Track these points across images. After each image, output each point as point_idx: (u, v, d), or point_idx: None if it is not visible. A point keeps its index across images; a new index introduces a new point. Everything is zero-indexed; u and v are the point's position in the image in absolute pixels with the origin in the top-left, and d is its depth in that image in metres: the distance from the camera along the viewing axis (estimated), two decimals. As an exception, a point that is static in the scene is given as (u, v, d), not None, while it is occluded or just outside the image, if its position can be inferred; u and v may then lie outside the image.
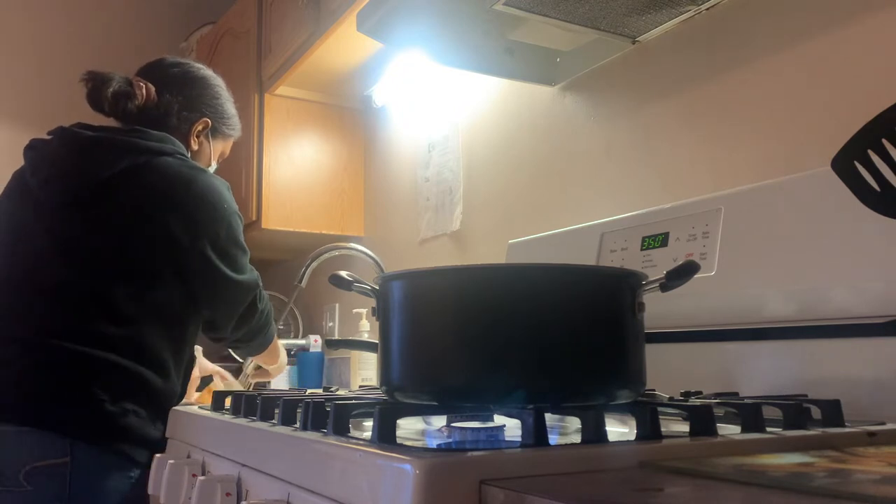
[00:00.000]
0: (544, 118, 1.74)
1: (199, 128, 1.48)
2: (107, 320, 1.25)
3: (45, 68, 3.21)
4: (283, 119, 2.48)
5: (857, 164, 0.72)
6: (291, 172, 2.47)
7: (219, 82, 1.55)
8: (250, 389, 1.67)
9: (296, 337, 2.78)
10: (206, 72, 1.54)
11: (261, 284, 1.43)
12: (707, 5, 1.32)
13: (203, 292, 1.34)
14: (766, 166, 1.22)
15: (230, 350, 2.52)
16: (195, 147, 1.49)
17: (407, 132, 2.33)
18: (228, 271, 1.33)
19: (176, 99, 1.45)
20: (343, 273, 0.88)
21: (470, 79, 1.98)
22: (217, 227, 1.31)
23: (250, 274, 1.39)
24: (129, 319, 1.26)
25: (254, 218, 2.43)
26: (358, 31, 1.56)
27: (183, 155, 1.38)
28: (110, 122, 1.44)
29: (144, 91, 1.42)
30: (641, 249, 1.30)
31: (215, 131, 1.52)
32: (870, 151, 0.71)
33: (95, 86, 1.40)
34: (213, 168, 1.55)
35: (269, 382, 1.87)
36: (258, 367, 1.78)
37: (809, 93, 1.17)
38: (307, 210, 2.48)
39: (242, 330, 1.43)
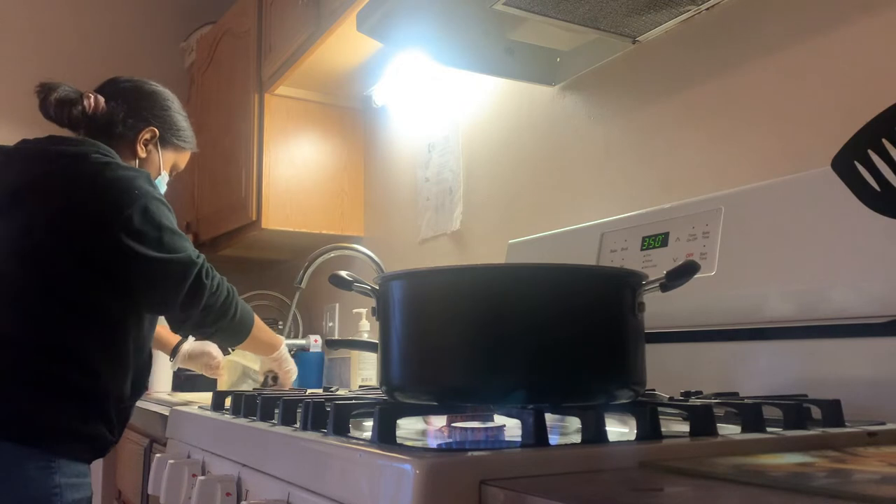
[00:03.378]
0: (544, 118, 1.74)
1: (147, 136, 1.51)
2: (24, 320, 1.28)
3: (45, 68, 3.19)
4: (283, 119, 2.48)
5: (857, 164, 0.72)
6: (291, 172, 2.47)
7: (169, 96, 1.57)
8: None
9: (296, 337, 2.78)
10: (158, 87, 1.57)
11: (203, 262, 1.36)
12: (707, 5, 1.32)
13: (131, 281, 1.32)
14: (767, 166, 1.22)
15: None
16: (143, 155, 1.51)
17: (407, 132, 2.33)
18: (151, 252, 1.30)
19: (121, 107, 1.48)
20: (343, 273, 0.88)
21: (470, 79, 1.98)
22: (128, 212, 1.30)
23: (183, 253, 1.34)
24: (54, 321, 1.28)
25: (254, 218, 2.43)
26: (358, 31, 1.56)
27: (102, 154, 1.38)
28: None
29: (93, 101, 1.46)
30: (641, 249, 1.30)
31: (165, 141, 1.54)
32: (870, 151, 0.71)
33: (45, 95, 1.44)
34: (163, 178, 1.56)
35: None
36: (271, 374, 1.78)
37: (810, 92, 1.17)
38: (307, 210, 2.48)
39: (195, 308, 1.36)
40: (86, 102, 1.45)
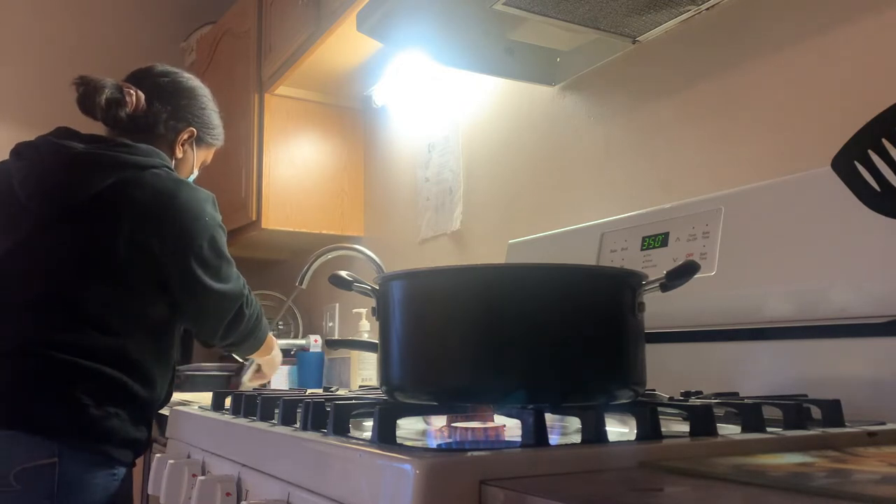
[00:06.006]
0: (544, 118, 1.74)
1: (185, 137, 1.51)
2: (91, 331, 1.28)
3: (46, 67, 3.21)
4: (283, 119, 2.48)
5: (857, 164, 0.72)
6: (291, 172, 2.47)
7: (206, 93, 1.57)
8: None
9: (296, 337, 2.78)
10: (195, 82, 1.56)
11: (247, 291, 1.45)
12: (707, 5, 1.32)
13: (188, 304, 1.37)
14: (767, 166, 1.22)
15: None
16: (179, 155, 1.51)
17: (407, 132, 2.33)
18: (213, 283, 1.36)
19: (165, 108, 1.47)
20: (343, 273, 0.88)
21: (470, 79, 1.98)
22: (200, 241, 1.34)
23: (235, 282, 1.41)
24: (114, 331, 1.29)
25: (254, 218, 2.43)
26: (358, 31, 1.56)
27: (169, 168, 1.41)
28: (97, 125, 1.45)
29: (134, 98, 1.44)
30: (641, 249, 1.30)
31: (200, 140, 1.55)
32: (870, 151, 0.71)
33: (87, 92, 1.41)
34: (194, 176, 1.58)
35: (267, 384, 1.89)
36: (257, 371, 1.82)
37: (809, 92, 1.17)
38: (307, 210, 2.48)
39: (232, 336, 1.46)
40: (128, 100, 1.43)
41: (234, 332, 1.45)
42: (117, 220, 1.30)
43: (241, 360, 2.53)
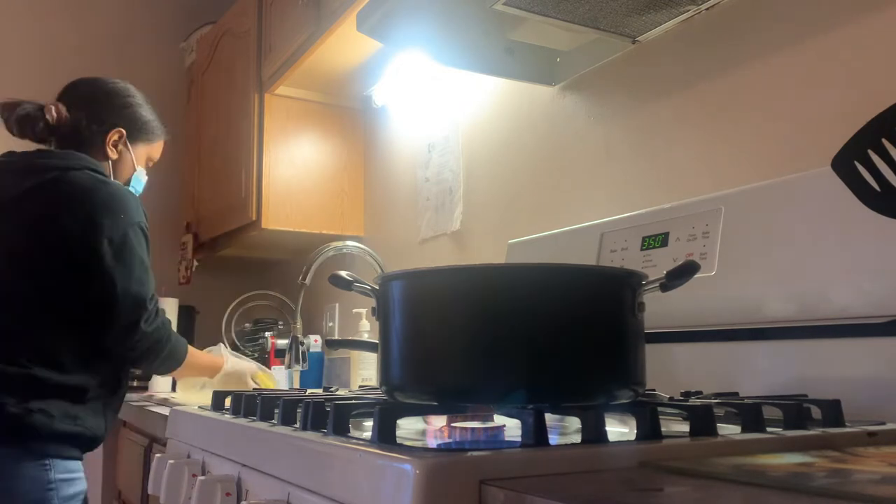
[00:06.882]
0: (544, 118, 1.74)
1: (115, 138, 1.54)
2: (8, 328, 1.33)
3: (45, 68, 3.20)
4: (283, 119, 2.48)
5: (857, 164, 0.72)
6: (291, 172, 2.47)
7: (130, 92, 1.59)
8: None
9: (296, 337, 2.78)
10: (117, 85, 1.59)
11: (152, 305, 1.41)
12: (707, 5, 1.32)
13: (91, 290, 1.37)
14: (767, 166, 1.22)
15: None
16: (114, 157, 1.54)
17: (407, 132, 2.33)
18: (117, 276, 1.36)
19: (82, 114, 1.51)
20: (343, 273, 0.88)
21: (470, 79, 1.98)
22: (112, 230, 1.37)
23: (141, 289, 1.39)
24: (31, 324, 1.33)
25: (254, 218, 2.43)
26: (358, 31, 1.56)
27: (92, 169, 1.44)
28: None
29: (55, 112, 1.49)
30: (641, 249, 1.30)
31: (134, 139, 1.57)
32: (870, 151, 0.71)
33: (7, 114, 1.48)
34: (142, 173, 1.60)
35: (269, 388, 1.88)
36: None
37: (810, 92, 1.17)
38: (307, 210, 2.48)
39: (124, 345, 1.41)
40: (48, 116, 1.47)
41: (126, 342, 1.39)
42: (34, 217, 1.36)
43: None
